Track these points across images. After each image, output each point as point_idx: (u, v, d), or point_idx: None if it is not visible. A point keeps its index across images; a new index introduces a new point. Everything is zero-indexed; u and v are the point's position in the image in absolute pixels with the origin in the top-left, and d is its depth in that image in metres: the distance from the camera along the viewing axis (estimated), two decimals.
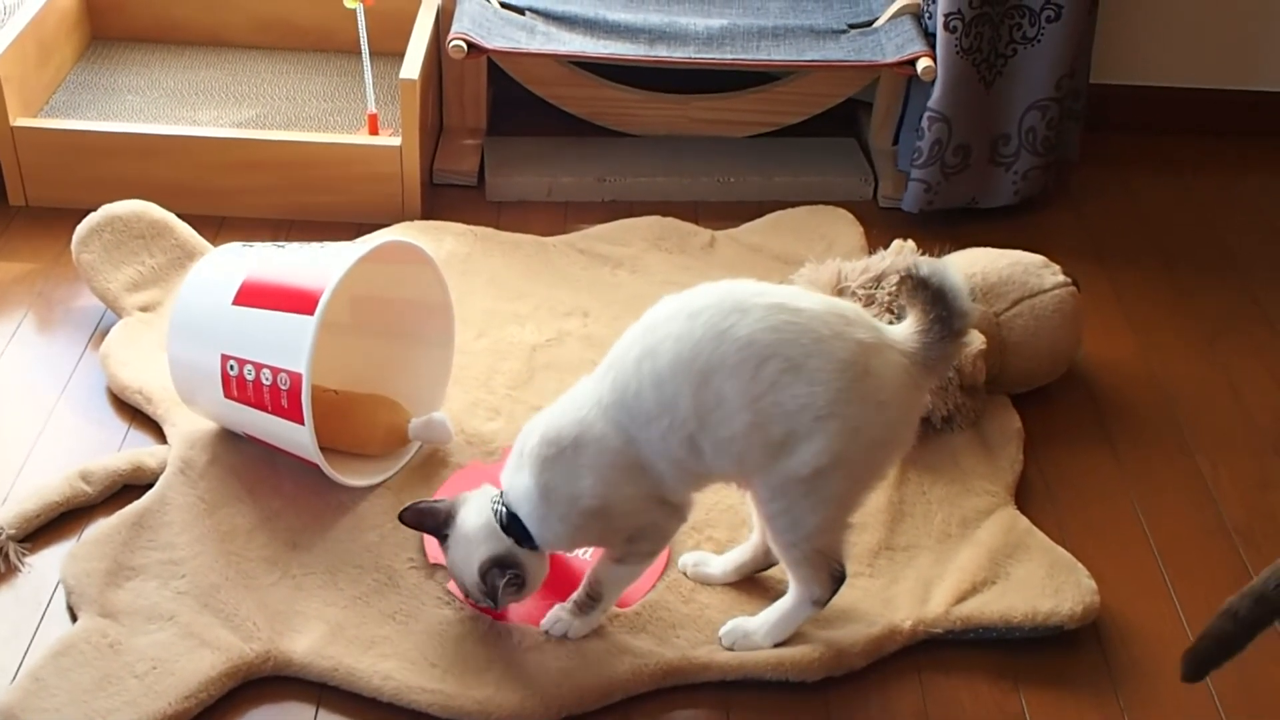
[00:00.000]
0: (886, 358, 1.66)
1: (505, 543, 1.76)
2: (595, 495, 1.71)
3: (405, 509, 1.83)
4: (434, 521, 1.82)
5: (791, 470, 1.66)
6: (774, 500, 1.71)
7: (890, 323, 2.09)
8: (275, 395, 1.92)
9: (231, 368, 1.96)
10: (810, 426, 1.63)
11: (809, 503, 1.69)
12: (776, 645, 1.82)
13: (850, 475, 1.69)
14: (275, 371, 1.91)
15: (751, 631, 1.83)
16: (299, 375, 1.88)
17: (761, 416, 1.63)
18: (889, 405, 1.66)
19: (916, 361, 1.67)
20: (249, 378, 1.94)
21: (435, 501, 1.83)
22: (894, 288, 2.16)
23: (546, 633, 1.83)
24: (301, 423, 1.90)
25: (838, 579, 1.78)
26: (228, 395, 1.97)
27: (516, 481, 1.75)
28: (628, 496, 1.71)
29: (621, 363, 1.69)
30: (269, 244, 2.08)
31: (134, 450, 2.09)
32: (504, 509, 1.76)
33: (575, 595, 1.82)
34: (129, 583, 1.87)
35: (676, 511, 1.76)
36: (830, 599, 1.79)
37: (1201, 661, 1.67)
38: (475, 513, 1.78)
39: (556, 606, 1.84)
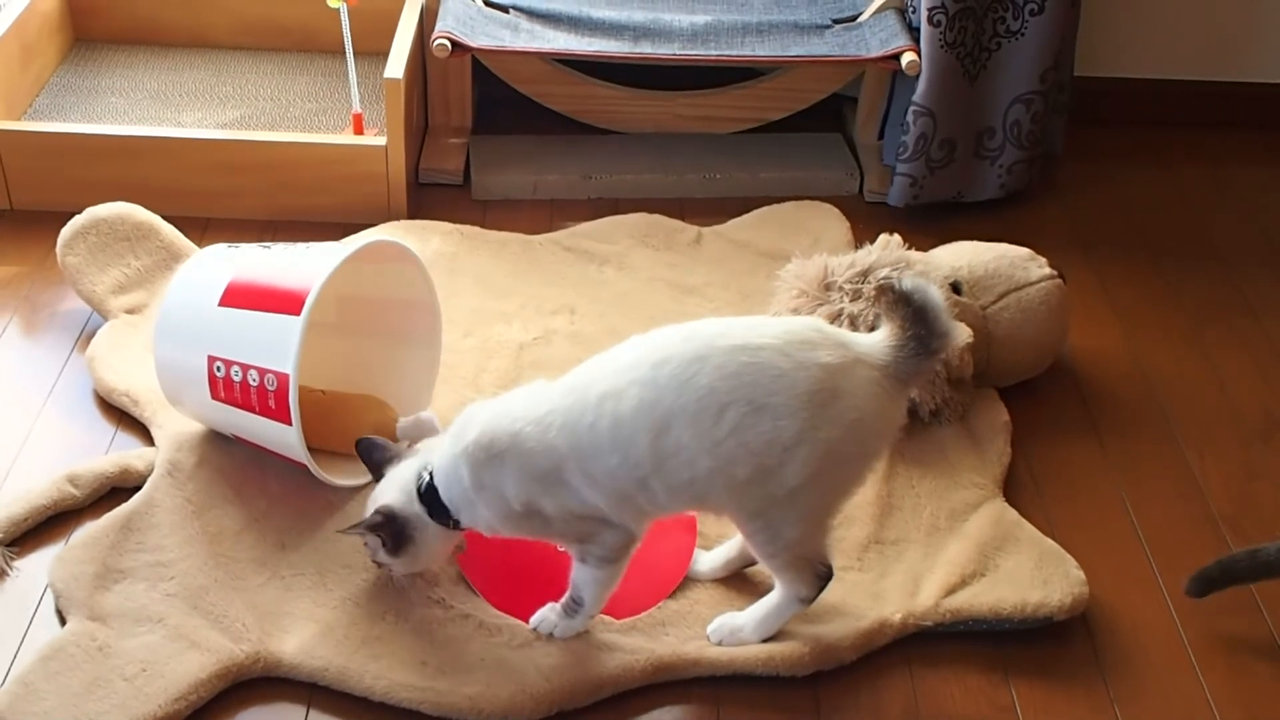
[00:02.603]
0: (855, 375, 1.65)
1: (413, 507, 1.77)
2: (520, 501, 1.71)
3: (361, 439, 1.86)
4: (380, 456, 1.84)
5: (766, 494, 1.67)
6: (750, 520, 1.72)
7: (877, 316, 2.12)
8: (262, 396, 1.91)
9: (218, 369, 1.95)
10: (780, 458, 1.64)
11: (787, 518, 1.70)
12: (765, 640, 1.82)
13: (827, 490, 1.70)
14: (262, 372, 1.91)
15: (739, 627, 1.83)
16: (286, 376, 1.88)
17: (724, 460, 1.64)
18: (862, 422, 1.66)
19: (889, 374, 1.67)
20: (236, 379, 1.94)
21: (391, 445, 1.85)
22: (874, 290, 2.15)
23: (535, 630, 1.83)
24: (289, 423, 1.89)
25: (823, 578, 1.79)
26: (214, 397, 1.97)
27: (447, 463, 1.74)
28: (555, 505, 1.71)
29: (584, 394, 1.69)
30: (254, 245, 2.07)
31: (121, 453, 2.08)
32: (428, 478, 1.76)
33: (564, 597, 1.82)
34: (117, 585, 1.86)
35: (622, 530, 1.73)
36: (817, 596, 1.80)
37: (1208, 581, 1.90)
38: (409, 466, 1.80)
39: (546, 606, 1.84)
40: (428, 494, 1.76)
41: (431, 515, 1.77)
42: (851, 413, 1.64)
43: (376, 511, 1.79)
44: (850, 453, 1.68)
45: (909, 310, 1.66)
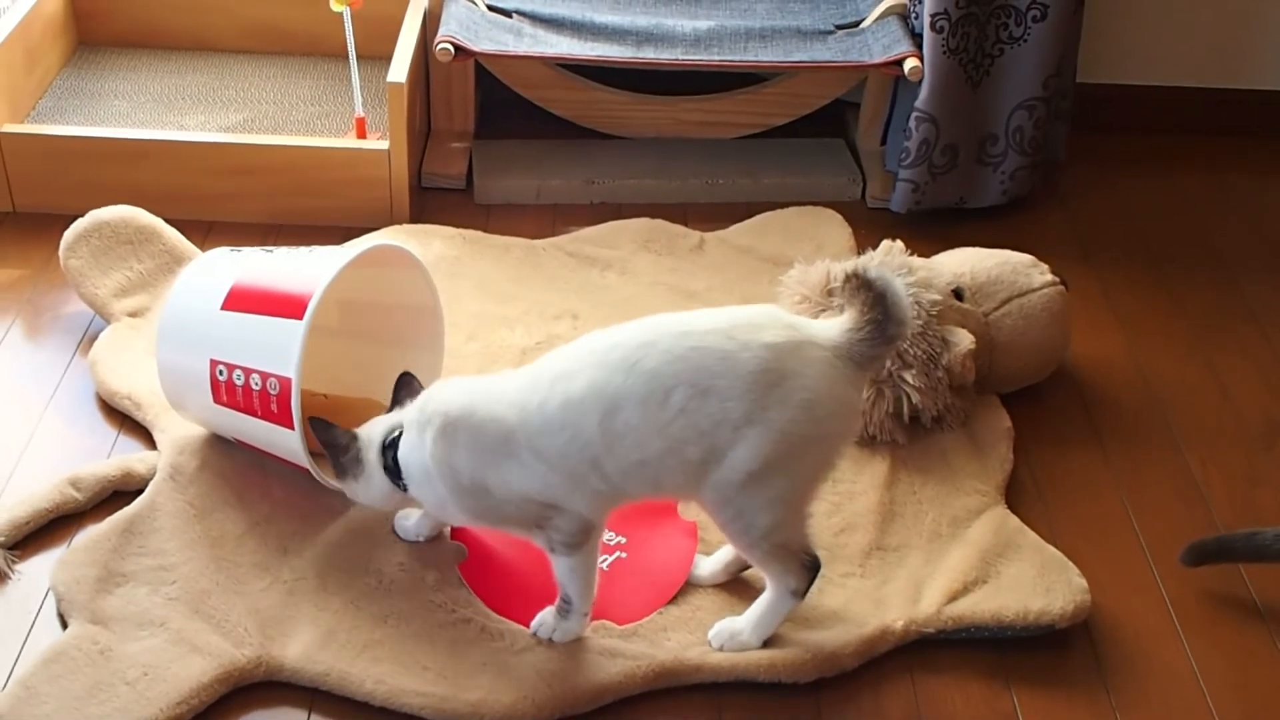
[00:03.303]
0: (806, 355, 1.67)
1: (370, 453, 1.83)
2: (469, 475, 1.74)
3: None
4: (339, 440, 1.86)
5: (725, 479, 1.68)
6: (721, 510, 1.73)
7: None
8: (265, 400, 1.91)
9: (220, 373, 1.95)
10: (730, 438, 1.66)
11: (755, 505, 1.71)
12: (766, 645, 1.82)
13: (790, 473, 1.70)
14: (264, 376, 1.91)
15: (739, 631, 1.83)
16: (288, 380, 1.88)
17: (674, 441, 1.66)
18: (816, 402, 1.67)
19: (842, 356, 1.68)
20: (238, 383, 1.94)
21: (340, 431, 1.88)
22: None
23: (535, 635, 1.83)
24: (291, 428, 1.89)
25: (810, 567, 1.79)
26: (217, 401, 1.97)
27: (413, 431, 1.78)
28: (504, 485, 1.73)
29: (537, 375, 1.74)
30: (257, 249, 2.08)
31: (123, 456, 2.08)
32: (397, 435, 1.81)
33: (557, 598, 1.83)
34: (119, 589, 1.86)
35: (575, 515, 1.74)
36: (808, 588, 1.80)
37: (1202, 553, 1.96)
38: (393, 418, 1.84)
39: (544, 610, 1.84)
40: (389, 448, 1.81)
41: (385, 469, 1.81)
42: (801, 392, 1.66)
43: (344, 432, 1.85)
44: (806, 434, 1.68)
45: (870, 295, 1.67)
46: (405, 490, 1.82)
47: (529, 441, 1.71)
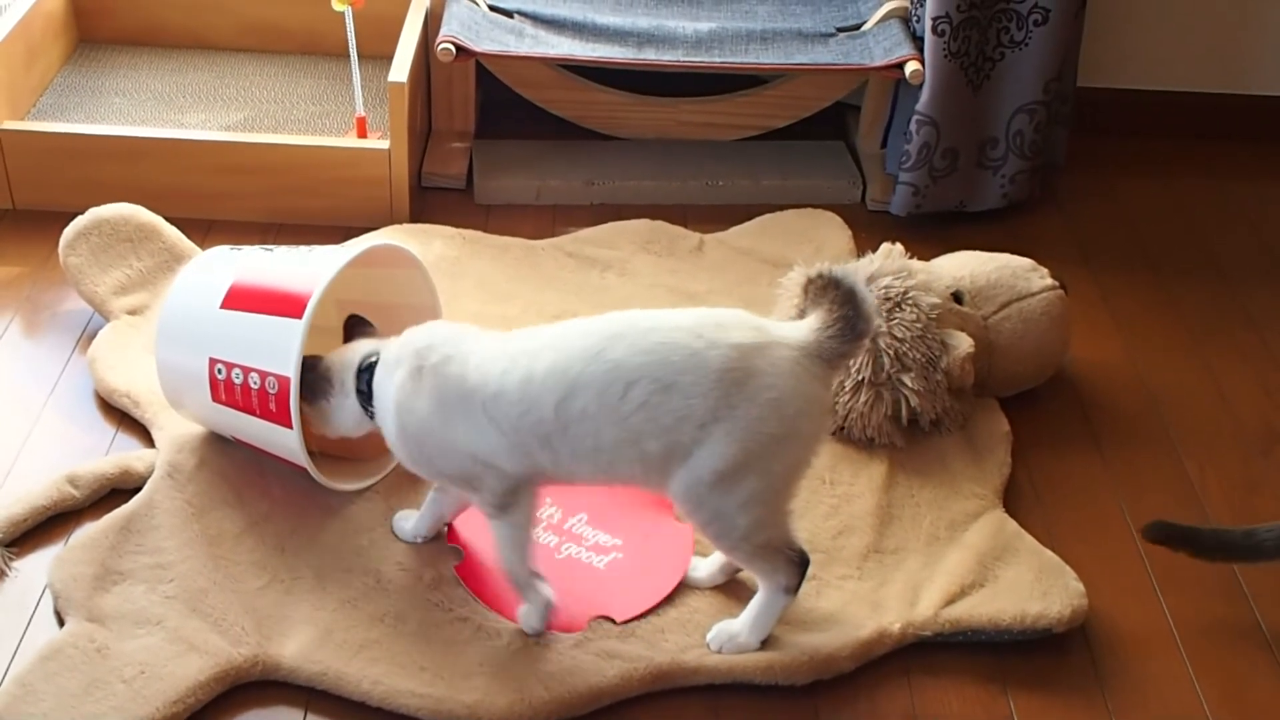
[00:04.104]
0: (772, 354, 1.68)
1: (346, 375, 1.86)
2: (423, 422, 1.78)
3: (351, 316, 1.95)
4: (359, 331, 1.94)
5: (695, 478, 1.69)
6: (695, 511, 1.74)
7: (878, 325, 2.12)
8: (263, 399, 1.91)
9: (219, 371, 1.95)
10: (695, 435, 1.67)
11: (730, 505, 1.71)
12: (764, 647, 1.82)
13: (763, 473, 1.70)
14: (263, 375, 1.91)
15: (736, 633, 1.83)
16: (287, 379, 1.88)
17: (632, 433, 1.68)
18: (783, 401, 1.68)
19: (810, 354, 1.69)
20: (237, 381, 1.94)
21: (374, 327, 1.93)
22: (882, 291, 2.16)
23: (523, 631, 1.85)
24: (290, 426, 1.89)
25: (798, 563, 1.79)
26: (215, 399, 1.97)
27: (391, 359, 1.83)
28: (452, 439, 1.77)
29: (510, 344, 1.78)
30: (256, 247, 2.08)
31: (121, 454, 2.08)
32: (374, 361, 1.85)
33: None
34: (116, 587, 1.86)
35: (508, 478, 1.77)
36: (799, 583, 1.80)
37: (1167, 534, 1.97)
38: (367, 345, 1.89)
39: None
40: (364, 373, 1.84)
41: (358, 393, 1.85)
42: (767, 392, 1.67)
43: (312, 357, 1.89)
44: (774, 433, 1.69)
45: (838, 293, 1.69)
46: (373, 419, 1.86)
47: (486, 406, 1.74)
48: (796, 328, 1.72)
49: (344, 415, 1.89)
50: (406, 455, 1.84)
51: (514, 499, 1.79)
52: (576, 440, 1.71)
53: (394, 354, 1.83)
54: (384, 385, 1.82)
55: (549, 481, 1.81)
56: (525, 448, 1.74)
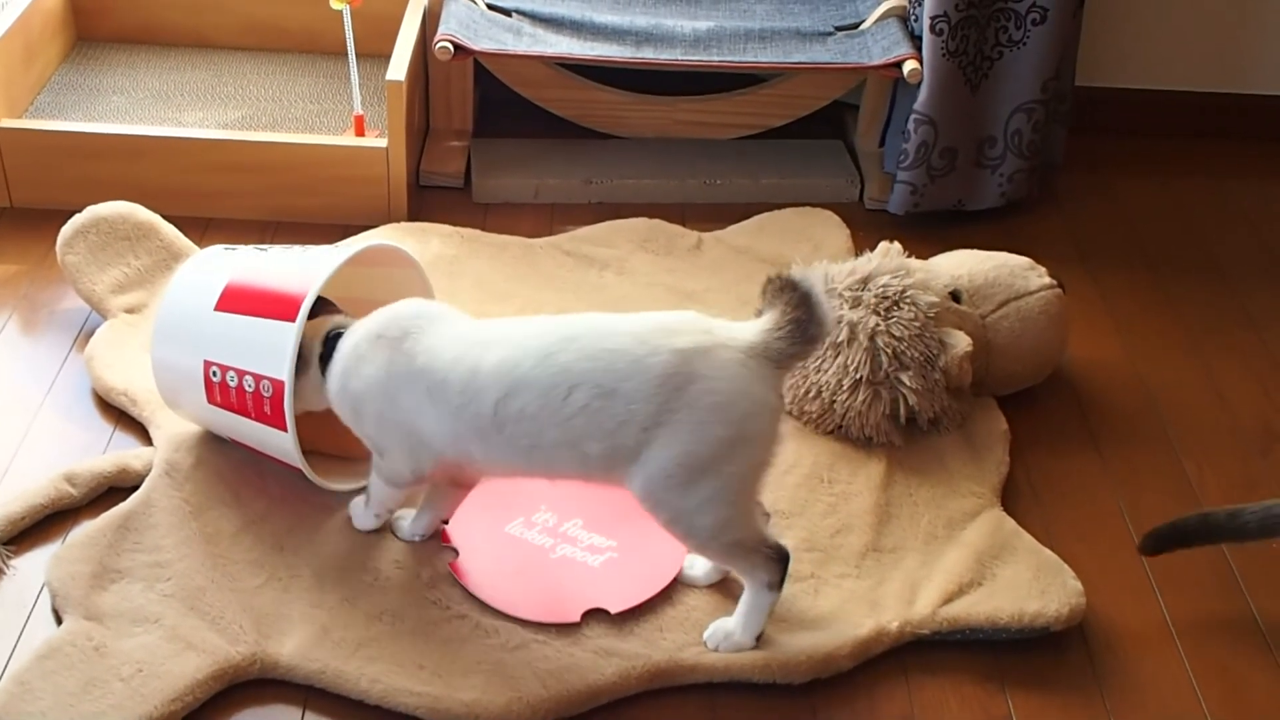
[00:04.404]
0: (715, 357, 1.68)
1: (314, 345, 1.89)
2: (364, 389, 1.83)
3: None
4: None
5: (650, 479, 1.71)
6: (657, 511, 1.75)
7: (876, 324, 2.13)
8: (258, 402, 1.91)
9: (214, 374, 1.95)
10: (639, 438, 1.68)
11: (689, 506, 1.72)
12: (761, 643, 1.82)
13: (716, 474, 1.71)
14: (258, 379, 1.91)
15: (731, 630, 1.83)
16: (281, 383, 1.88)
17: (573, 436, 1.70)
18: (727, 404, 1.68)
19: (757, 355, 1.69)
20: (232, 384, 1.93)
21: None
22: (880, 289, 2.16)
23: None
24: (285, 429, 1.89)
25: (775, 558, 1.79)
26: (211, 401, 1.97)
27: (359, 327, 1.86)
28: (386, 411, 1.82)
29: (470, 332, 1.81)
30: (251, 247, 2.07)
31: (119, 452, 2.08)
32: (340, 333, 1.88)
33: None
34: (114, 585, 1.86)
35: (415, 466, 1.84)
36: (781, 578, 1.80)
37: (1159, 539, 1.96)
38: (333, 319, 1.94)
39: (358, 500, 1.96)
40: (328, 342, 1.88)
41: (320, 358, 1.88)
42: (709, 396, 1.67)
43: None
44: (722, 435, 1.69)
45: (793, 296, 1.69)
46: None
47: (430, 390, 1.77)
48: (745, 329, 1.72)
49: (310, 385, 1.90)
50: (340, 408, 1.88)
51: (415, 482, 1.87)
52: (514, 439, 1.73)
53: (361, 324, 1.86)
54: (345, 345, 1.86)
55: (475, 470, 1.85)
56: (460, 436, 1.77)
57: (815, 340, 1.70)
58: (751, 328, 1.72)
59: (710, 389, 1.67)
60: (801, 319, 1.68)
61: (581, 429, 1.69)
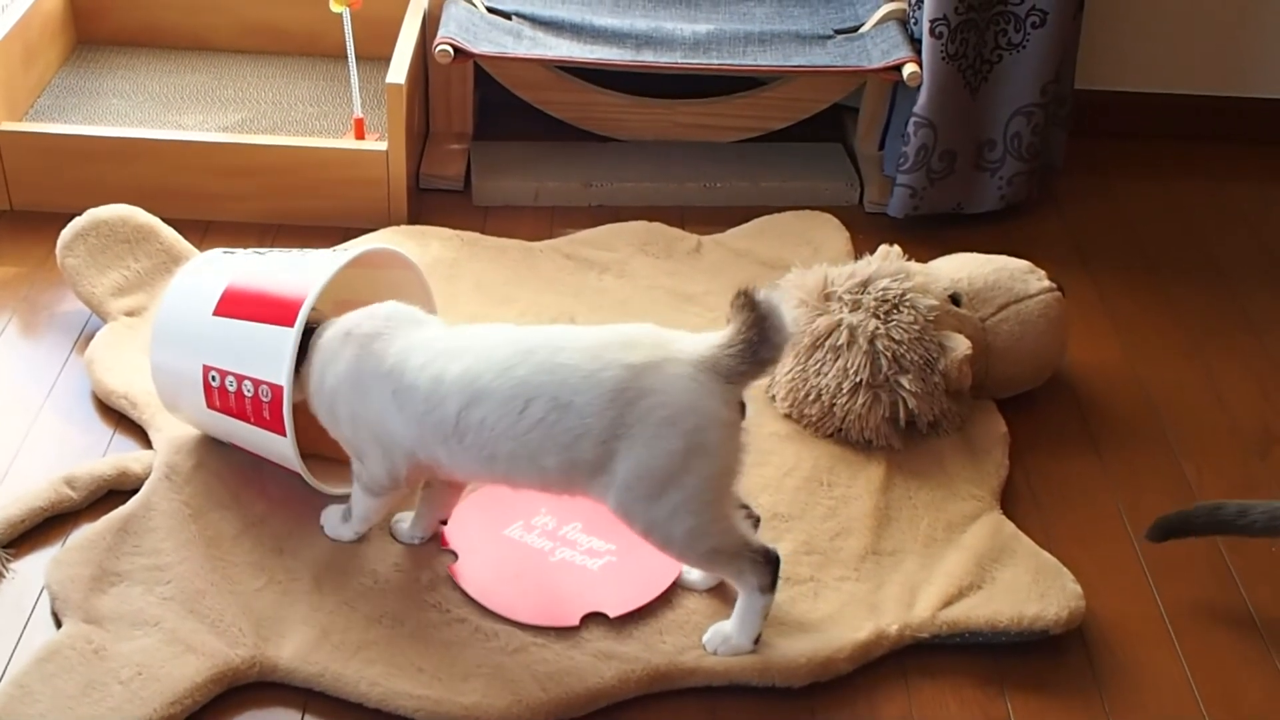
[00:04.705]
0: (665, 372, 1.70)
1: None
2: (333, 388, 1.85)
3: None
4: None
5: (617, 491, 1.72)
6: (631, 523, 1.76)
7: (876, 328, 2.13)
8: (257, 407, 1.91)
9: (213, 379, 1.95)
10: (596, 451, 1.70)
11: (659, 516, 1.73)
12: (759, 646, 1.82)
13: (679, 486, 1.71)
14: (256, 383, 1.91)
15: (729, 634, 1.84)
16: (280, 387, 1.88)
17: (529, 448, 1.73)
18: (676, 417, 1.69)
19: (707, 369, 1.70)
20: (231, 389, 1.93)
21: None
22: (880, 292, 2.16)
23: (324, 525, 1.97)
24: (284, 434, 1.89)
25: (763, 562, 1.79)
26: (210, 406, 1.97)
27: (335, 324, 1.89)
28: (356, 412, 1.84)
29: (435, 339, 1.82)
30: (249, 251, 2.07)
31: (119, 455, 2.08)
32: (314, 329, 1.90)
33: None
34: (114, 588, 1.86)
35: (391, 469, 1.84)
36: (772, 581, 1.79)
37: (1166, 529, 1.97)
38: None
39: (332, 509, 1.97)
40: (304, 337, 1.89)
41: (300, 355, 1.89)
42: (660, 410, 1.69)
43: None
44: (674, 448, 1.69)
45: (753, 315, 1.68)
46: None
47: (396, 394, 1.80)
48: (697, 342, 1.73)
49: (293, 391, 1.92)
50: (317, 408, 1.90)
51: (387, 492, 1.88)
52: (473, 447, 1.75)
53: (335, 322, 1.88)
54: (319, 339, 1.88)
55: (443, 476, 1.87)
56: (425, 441, 1.79)
57: (766, 363, 1.70)
58: (706, 341, 1.72)
59: (661, 403, 1.69)
60: (754, 340, 1.68)
61: (537, 442, 1.72)
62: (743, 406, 1.74)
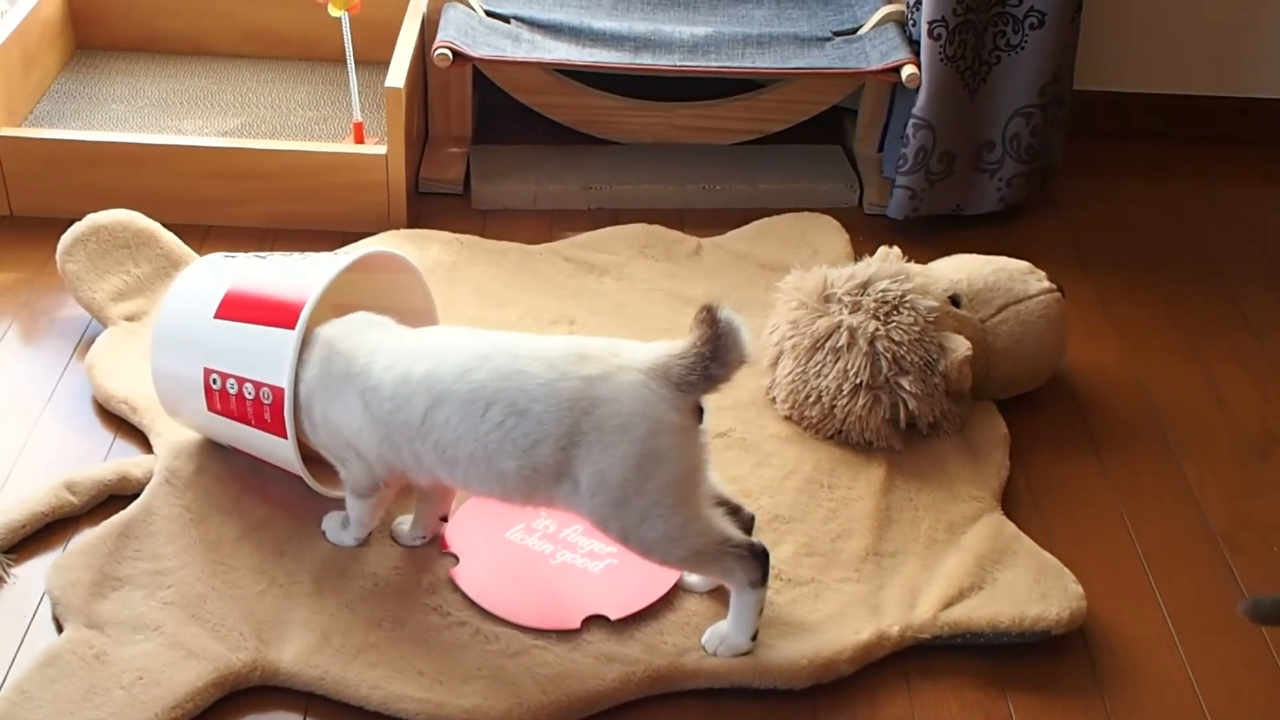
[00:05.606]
0: (617, 381, 1.71)
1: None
2: (307, 393, 1.87)
3: None
4: None
5: (579, 499, 1.75)
6: (604, 530, 1.77)
7: (876, 329, 2.13)
8: (258, 409, 1.91)
9: (214, 381, 1.95)
10: (556, 456, 1.73)
11: (629, 523, 1.74)
12: (759, 647, 1.82)
13: (641, 491, 1.72)
14: (258, 386, 1.91)
15: (727, 634, 1.84)
16: (281, 390, 1.88)
17: (488, 451, 1.75)
18: (630, 425, 1.70)
19: (658, 376, 1.71)
20: (232, 391, 1.94)
21: None
22: (879, 294, 2.17)
23: (324, 533, 1.98)
24: (285, 436, 1.89)
25: (749, 557, 1.79)
26: (211, 409, 1.97)
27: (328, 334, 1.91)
28: (329, 414, 1.86)
29: (401, 342, 1.86)
30: (250, 255, 2.08)
31: (119, 460, 2.08)
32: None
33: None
34: (115, 593, 1.86)
35: (369, 471, 1.87)
36: (761, 575, 1.79)
37: (1262, 614, 1.81)
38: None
39: (332, 515, 1.98)
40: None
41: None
42: (614, 418, 1.70)
43: None
44: (628, 454, 1.71)
45: (711, 331, 1.69)
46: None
47: (364, 394, 1.82)
48: (650, 350, 1.74)
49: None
50: (301, 420, 1.91)
51: (374, 491, 1.90)
52: (436, 448, 1.78)
53: (318, 328, 1.91)
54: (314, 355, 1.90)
55: (410, 480, 1.89)
56: (392, 443, 1.81)
57: (716, 379, 1.71)
58: (660, 349, 1.73)
59: (614, 411, 1.70)
60: (706, 355, 1.69)
61: (496, 445, 1.74)
62: (700, 411, 1.75)
